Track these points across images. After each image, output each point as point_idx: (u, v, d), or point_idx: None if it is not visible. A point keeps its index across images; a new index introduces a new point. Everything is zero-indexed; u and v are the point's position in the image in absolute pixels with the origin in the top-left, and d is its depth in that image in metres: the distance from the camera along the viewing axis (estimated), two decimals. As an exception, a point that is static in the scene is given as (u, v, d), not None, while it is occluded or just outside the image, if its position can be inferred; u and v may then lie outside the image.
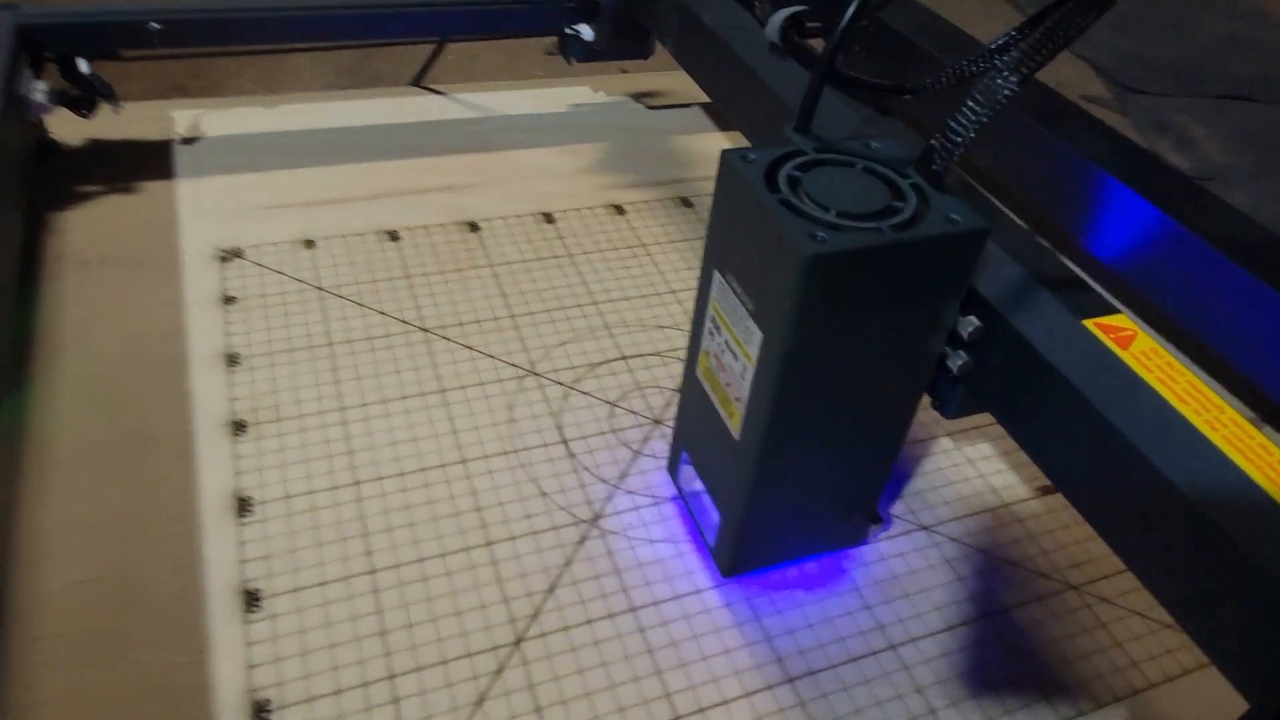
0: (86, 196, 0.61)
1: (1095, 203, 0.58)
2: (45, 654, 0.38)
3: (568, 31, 0.71)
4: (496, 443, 0.49)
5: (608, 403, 0.52)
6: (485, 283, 0.59)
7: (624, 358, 0.55)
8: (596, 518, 0.46)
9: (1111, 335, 0.35)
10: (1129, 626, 0.44)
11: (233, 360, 0.51)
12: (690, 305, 0.58)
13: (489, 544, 0.44)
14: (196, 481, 0.45)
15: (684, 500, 0.47)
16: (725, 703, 0.39)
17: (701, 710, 0.39)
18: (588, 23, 0.70)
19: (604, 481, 0.48)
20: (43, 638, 0.38)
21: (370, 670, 0.39)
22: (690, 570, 0.44)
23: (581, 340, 0.55)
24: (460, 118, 0.75)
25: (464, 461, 0.48)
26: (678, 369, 0.55)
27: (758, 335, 0.35)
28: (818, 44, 0.45)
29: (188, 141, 0.68)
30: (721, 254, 0.37)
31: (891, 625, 0.43)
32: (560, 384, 0.53)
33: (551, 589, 0.43)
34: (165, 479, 0.45)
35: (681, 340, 0.56)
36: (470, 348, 0.54)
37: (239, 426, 0.48)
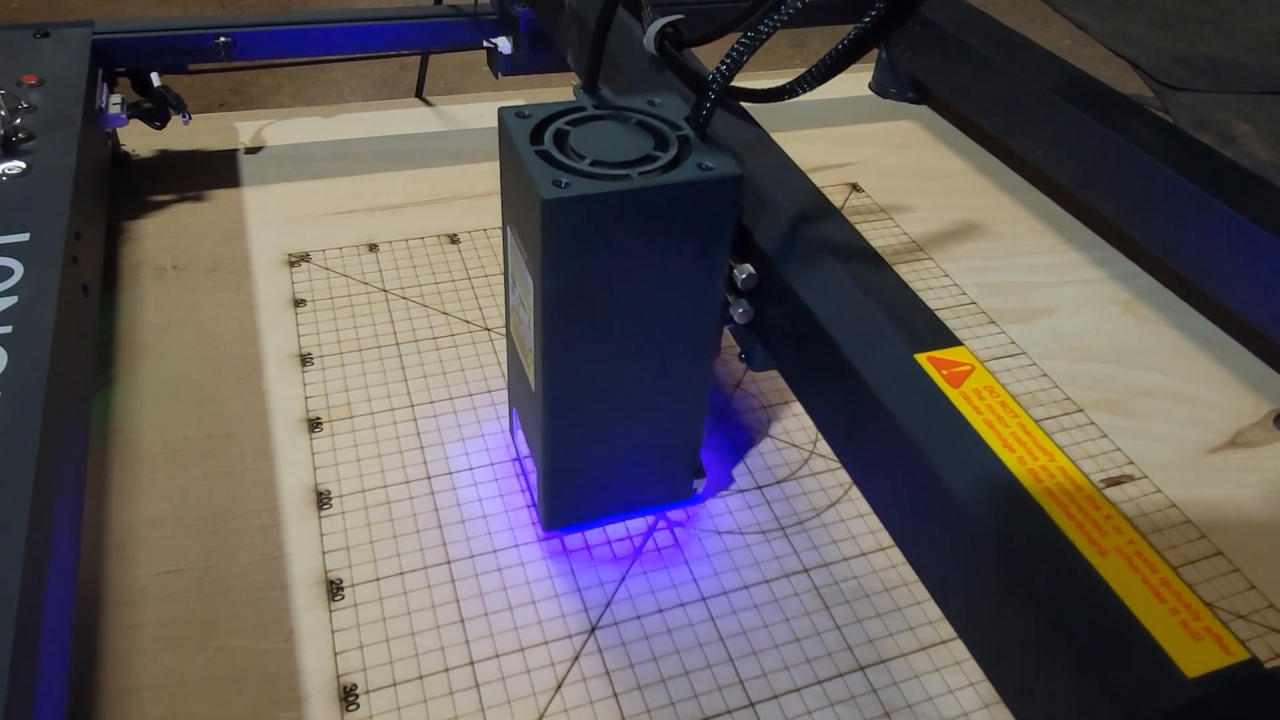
0: (158, 205, 0.63)
1: (1145, 192, 0.58)
2: (139, 641, 0.39)
3: (485, 45, 0.72)
4: (562, 438, 0.50)
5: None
6: (544, 283, 0.60)
7: (683, 354, 0.55)
8: (664, 510, 0.47)
9: (944, 371, 0.33)
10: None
11: (305, 360, 0.53)
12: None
13: (560, 534, 0.45)
14: (276, 477, 0.46)
15: (519, 462, 0.48)
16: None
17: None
18: (505, 36, 0.71)
19: (669, 475, 0.48)
20: (136, 625, 0.40)
21: (452, 657, 0.40)
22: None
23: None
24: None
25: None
26: (737, 366, 0.55)
27: (531, 282, 0.36)
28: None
29: (251, 151, 0.70)
30: (507, 209, 0.39)
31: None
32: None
33: (623, 578, 0.43)
34: (246, 474, 0.46)
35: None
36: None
37: (314, 423, 0.49)
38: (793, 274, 0.37)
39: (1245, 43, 2.61)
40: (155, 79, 0.63)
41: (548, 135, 0.36)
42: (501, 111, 0.36)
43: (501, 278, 0.60)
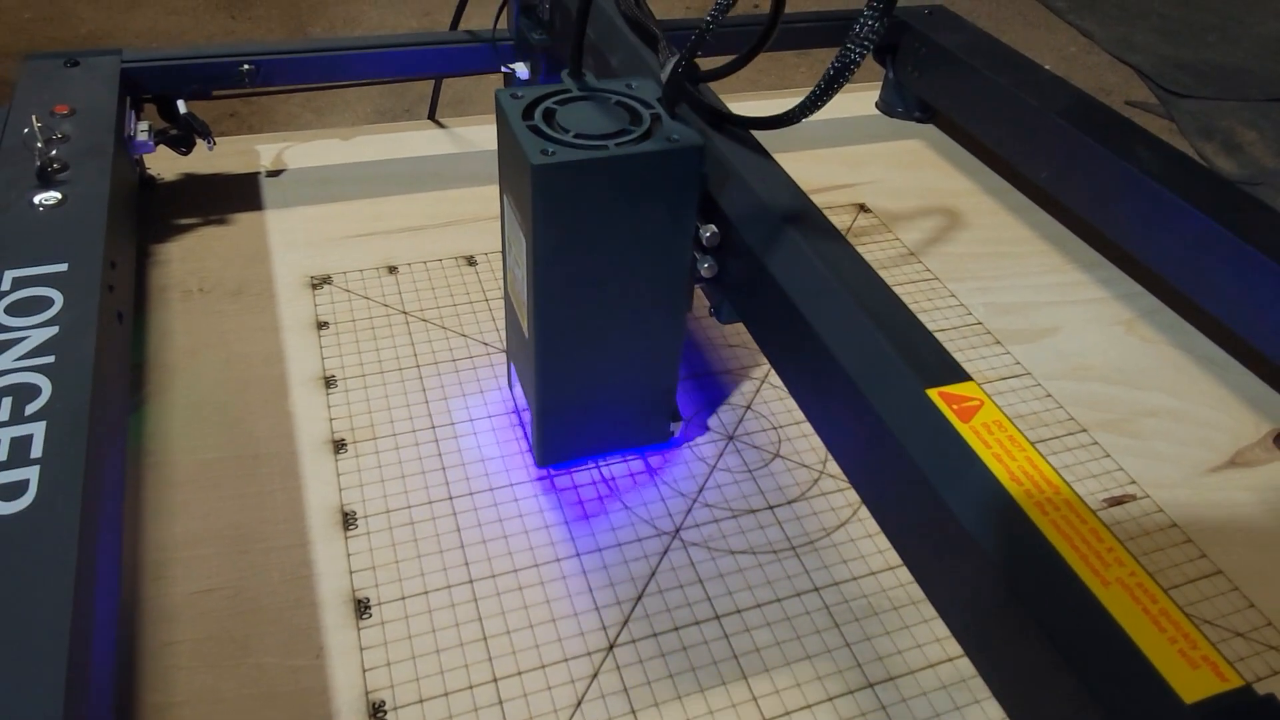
0: (184, 229, 0.65)
1: (1148, 215, 0.59)
2: (175, 658, 0.41)
3: (503, 70, 0.73)
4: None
5: (682, 419, 0.54)
6: (560, 305, 0.61)
7: (695, 376, 0.57)
8: (678, 530, 0.48)
9: (954, 406, 0.35)
10: (1201, 634, 0.45)
11: (329, 382, 0.54)
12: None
13: (578, 554, 0.46)
14: (303, 497, 0.48)
15: (517, 410, 0.53)
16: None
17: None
18: (523, 61, 0.72)
19: (683, 495, 0.50)
20: (171, 643, 0.42)
21: (475, 674, 0.41)
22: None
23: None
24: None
25: (551, 477, 0.50)
26: (750, 387, 0.57)
27: (524, 242, 0.41)
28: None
29: (273, 174, 0.71)
30: (504, 179, 0.44)
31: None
32: (637, 401, 0.55)
33: (640, 597, 0.45)
34: (274, 495, 0.48)
35: (746, 358, 0.59)
36: (549, 368, 0.57)
37: (339, 445, 0.51)
38: (750, 234, 0.42)
39: (1250, 49, 2.62)
40: (181, 106, 0.64)
41: (538, 113, 0.41)
42: (498, 93, 0.42)
43: (518, 299, 0.62)
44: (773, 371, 0.58)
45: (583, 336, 0.44)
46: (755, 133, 0.47)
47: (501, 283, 0.62)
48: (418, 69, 0.72)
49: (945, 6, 0.83)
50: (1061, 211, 0.74)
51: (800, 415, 0.55)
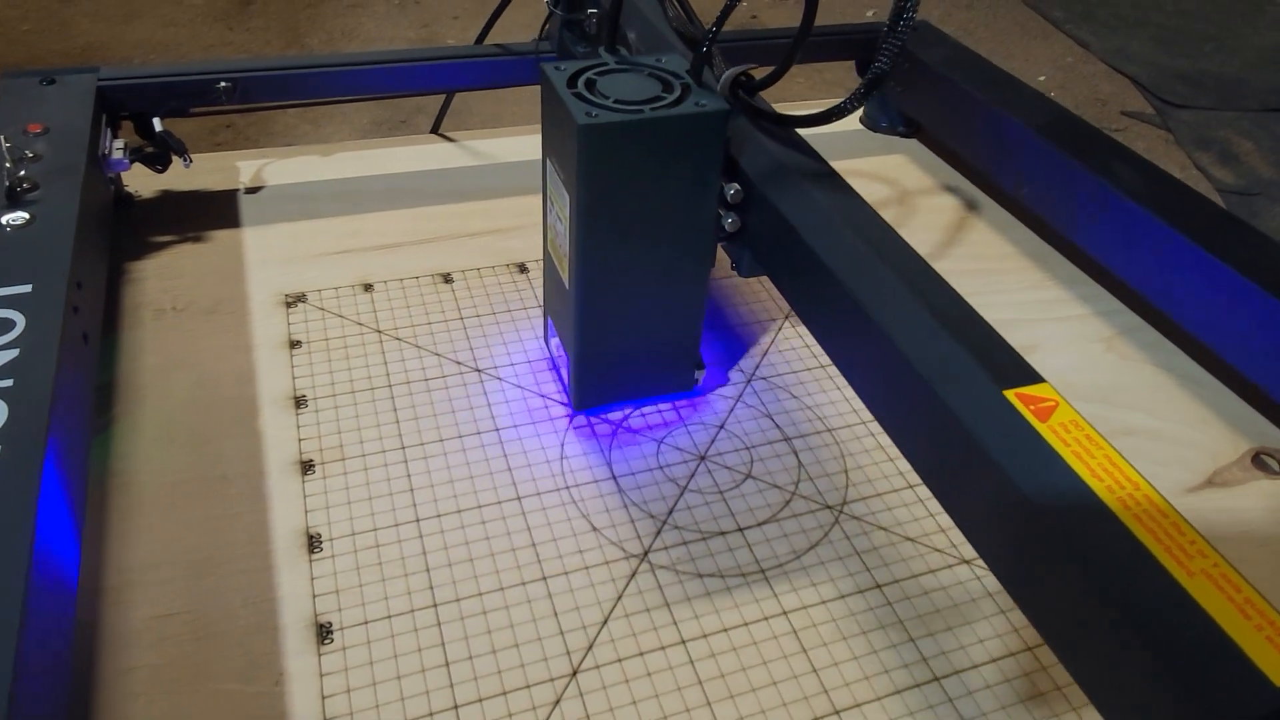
0: (160, 246, 0.65)
1: (1125, 233, 0.59)
2: (132, 685, 0.41)
3: None
4: (549, 479, 0.51)
5: (654, 440, 0.54)
6: (535, 323, 0.61)
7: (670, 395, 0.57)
8: (647, 552, 0.48)
9: (1031, 406, 0.36)
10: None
11: (300, 402, 0.54)
12: (733, 342, 0.60)
13: (544, 578, 0.46)
14: (269, 520, 0.48)
15: (553, 362, 0.57)
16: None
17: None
18: None
19: (652, 517, 0.49)
20: (130, 670, 0.41)
21: (436, 700, 0.41)
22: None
23: (628, 378, 0.58)
24: (505, 161, 0.78)
25: (519, 498, 0.50)
26: (723, 406, 0.56)
27: (567, 197, 0.46)
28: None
29: (252, 191, 0.71)
30: (547, 142, 0.49)
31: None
32: (609, 421, 0.55)
33: (605, 621, 0.44)
34: (240, 517, 0.48)
35: (720, 379, 0.58)
36: (522, 388, 0.56)
37: (307, 466, 0.51)
38: (773, 192, 0.47)
39: (1248, 59, 2.62)
40: (157, 124, 0.64)
41: (580, 81, 0.46)
42: (543, 65, 0.47)
43: (492, 317, 0.62)
44: (746, 392, 0.57)
45: (618, 284, 0.49)
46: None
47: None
48: (458, 82, 0.74)
49: (929, 22, 0.83)
50: (1042, 228, 0.74)
51: (774, 435, 0.55)
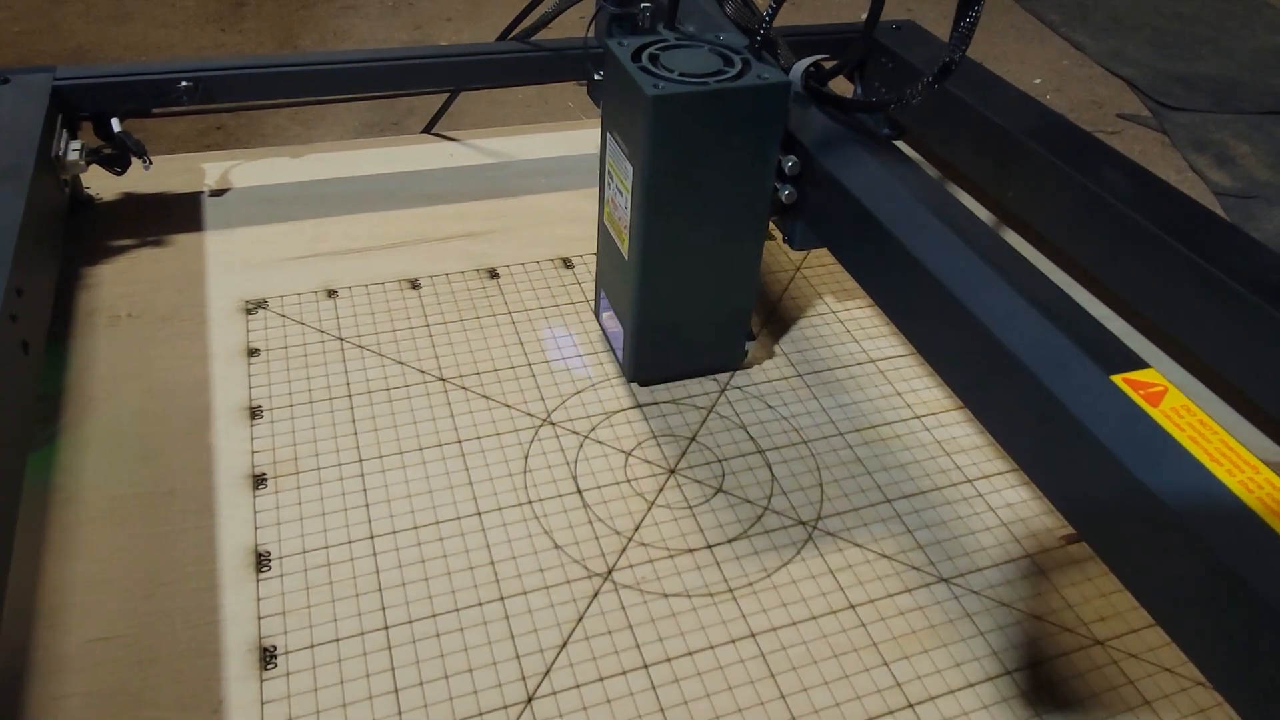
0: (119, 250, 0.63)
1: (1113, 238, 0.57)
2: (64, 714, 0.39)
3: (596, 78, 0.72)
4: (511, 494, 0.49)
5: (623, 452, 0.52)
6: (504, 330, 0.59)
7: (639, 405, 0.55)
8: (611, 571, 0.46)
9: (1141, 392, 0.35)
10: (1158, 684, 0.43)
11: (254, 413, 0.52)
12: (707, 350, 0.59)
13: (501, 598, 0.44)
14: (216, 537, 0.46)
15: (607, 336, 0.58)
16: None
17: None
18: None
19: (618, 534, 0.47)
20: (61, 697, 0.39)
21: (381, 730, 0.39)
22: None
23: (598, 388, 0.56)
24: (482, 163, 0.76)
25: (479, 514, 0.48)
26: (695, 418, 0.54)
27: (630, 169, 0.47)
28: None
29: (217, 193, 0.69)
30: (609, 117, 0.49)
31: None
32: (576, 434, 0.53)
33: (564, 644, 0.42)
34: (185, 534, 0.46)
35: (692, 388, 0.56)
36: (487, 397, 0.54)
37: (259, 480, 0.49)
38: (832, 162, 0.49)
39: (1244, 62, 2.60)
40: (116, 124, 0.62)
41: (644, 56, 0.47)
42: (608, 41, 0.48)
43: (460, 324, 0.60)
44: (719, 402, 0.55)
45: (677, 255, 0.49)
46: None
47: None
48: (506, 78, 0.73)
49: (916, 22, 0.81)
50: (1029, 232, 0.72)
51: (747, 447, 0.53)
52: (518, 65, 0.72)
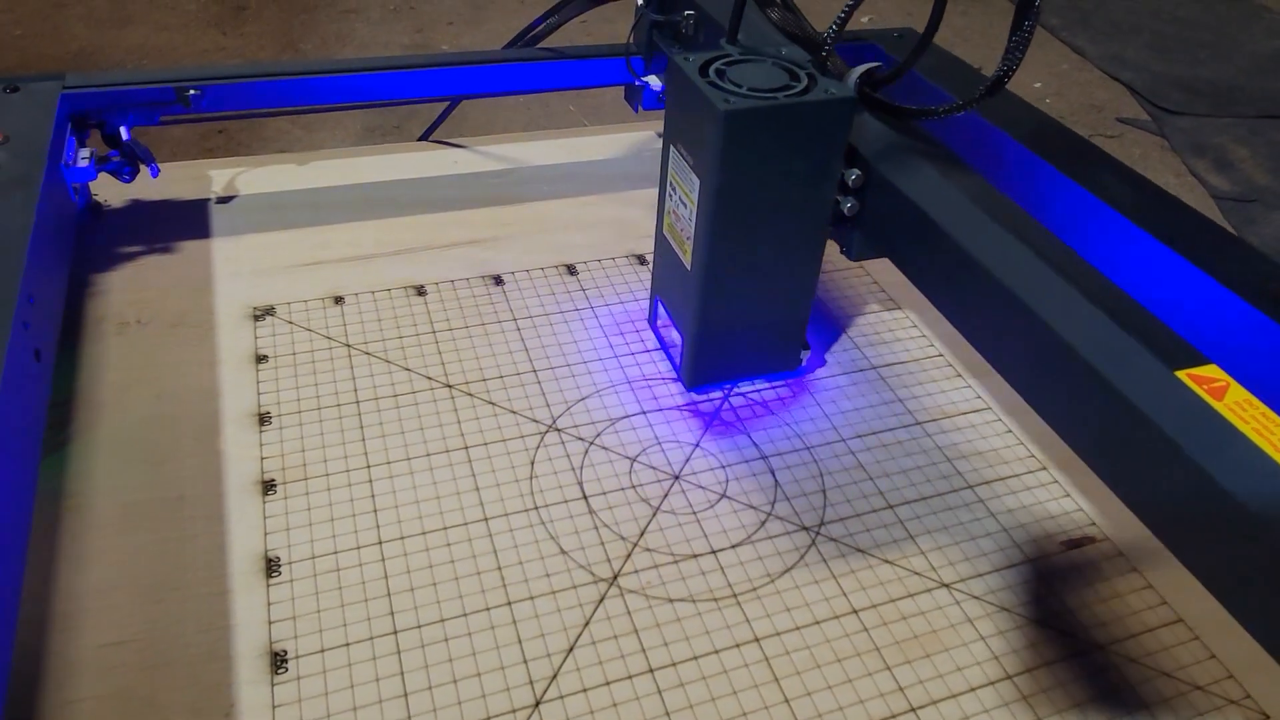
0: (127, 257, 0.63)
1: (1105, 242, 0.58)
2: (75, 718, 0.39)
3: (637, 83, 0.73)
4: (517, 500, 0.49)
5: (627, 458, 0.52)
6: (509, 337, 0.60)
7: (643, 412, 0.55)
8: (616, 576, 0.46)
9: (1205, 386, 0.36)
10: (1159, 688, 0.43)
11: (263, 419, 0.53)
12: (711, 356, 0.59)
13: (509, 603, 0.45)
14: (226, 543, 0.46)
15: (662, 344, 0.59)
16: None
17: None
18: (656, 75, 0.72)
19: (623, 539, 0.48)
20: (74, 701, 0.40)
21: (391, 734, 0.39)
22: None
23: (602, 394, 0.56)
24: (485, 170, 0.77)
25: (485, 520, 0.48)
26: (700, 423, 0.55)
27: (696, 182, 0.48)
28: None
29: (224, 200, 0.70)
30: (673, 130, 0.50)
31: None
32: (581, 439, 0.53)
33: (571, 649, 0.43)
34: (196, 540, 0.46)
35: (698, 395, 0.57)
36: (493, 403, 0.55)
37: (268, 486, 0.49)
38: (894, 175, 0.49)
39: (1243, 66, 2.61)
40: (124, 132, 0.63)
41: (711, 70, 0.47)
42: (673, 55, 0.48)
43: (465, 331, 0.60)
44: (723, 408, 0.56)
45: (740, 266, 0.50)
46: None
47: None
48: (550, 83, 0.74)
49: (915, 30, 0.82)
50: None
51: (750, 453, 0.53)
52: (556, 70, 0.74)
